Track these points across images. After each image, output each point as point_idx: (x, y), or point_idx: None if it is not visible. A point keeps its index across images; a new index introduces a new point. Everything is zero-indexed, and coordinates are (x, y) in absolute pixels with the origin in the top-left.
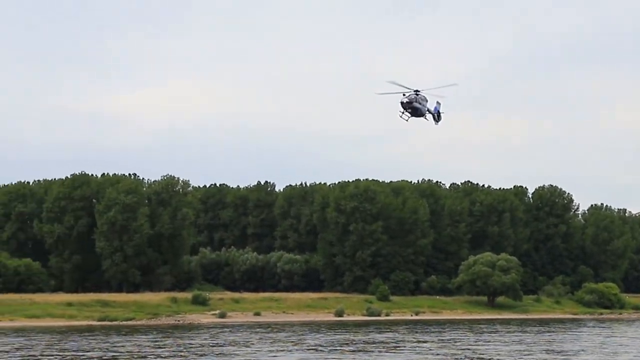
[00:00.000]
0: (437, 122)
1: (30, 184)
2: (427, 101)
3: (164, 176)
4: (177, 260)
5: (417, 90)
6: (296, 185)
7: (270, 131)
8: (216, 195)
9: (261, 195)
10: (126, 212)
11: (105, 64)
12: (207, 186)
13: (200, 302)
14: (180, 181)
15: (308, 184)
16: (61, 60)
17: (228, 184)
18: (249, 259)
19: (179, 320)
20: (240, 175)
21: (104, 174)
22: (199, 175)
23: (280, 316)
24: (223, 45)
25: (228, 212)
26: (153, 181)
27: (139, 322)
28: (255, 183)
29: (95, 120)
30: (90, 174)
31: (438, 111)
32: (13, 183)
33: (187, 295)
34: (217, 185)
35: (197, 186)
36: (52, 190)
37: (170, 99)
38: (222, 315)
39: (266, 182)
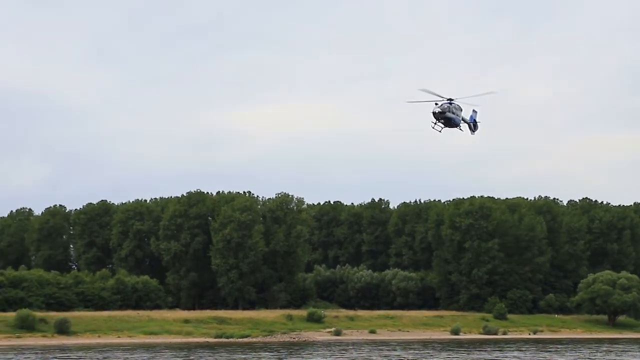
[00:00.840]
0: (473, 131)
1: (148, 202)
2: (461, 110)
3: (278, 194)
4: (292, 278)
5: (450, 99)
6: (410, 202)
7: (383, 149)
8: (330, 213)
9: (375, 212)
10: (241, 229)
11: (223, 81)
12: (322, 204)
13: (315, 320)
14: (294, 199)
15: (422, 201)
16: (178, 79)
17: (342, 202)
18: (364, 276)
19: (294, 338)
20: (354, 193)
21: (219, 192)
22: (314, 192)
23: (396, 334)
24: (337, 65)
25: (342, 229)
26: (268, 199)
27: (254, 339)
28: (370, 200)
29: (210, 138)
30: (205, 192)
31: (474, 120)
32: (131, 201)
33: (302, 312)
34: (331, 202)
35: (311, 204)
36: (169, 208)
37: (286, 116)
38: (338, 333)
39: (380, 199)
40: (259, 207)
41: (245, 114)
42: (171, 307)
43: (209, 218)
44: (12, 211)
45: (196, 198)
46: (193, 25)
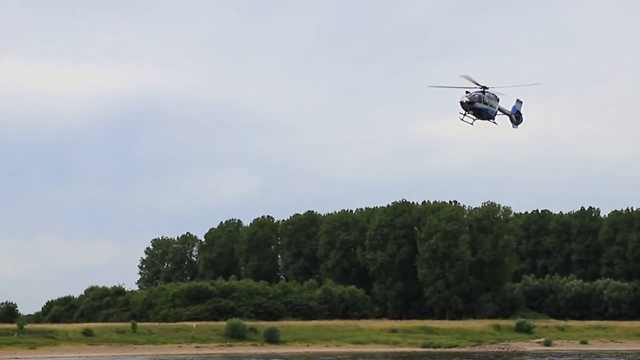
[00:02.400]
0: (517, 124)
1: (353, 212)
2: (497, 100)
3: (484, 203)
4: (500, 288)
5: (484, 87)
6: (622, 210)
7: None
8: (538, 222)
9: (585, 221)
10: (447, 239)
11: (427, 89)
12: (529, 212)
13: (524, 330)
14: (501, 208)
15: (635, 209)
16: (383, 89)
17: (550, 210)
18: (574, 286)
19: (503, 348)
20: (562, 201)
21: (424, 201)
22: (521, 201)
23: (608, 345)
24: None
25: (551, 238)
26: (474, 208)
27: (462, 349)
28: (579, 209)
29: (416, 147)
30: (411, 202)
31: (517, 111)
32: (337, 212)
33: (511, 322)
34: (539, 211)
35: (518, 213)
36: (375, 219)
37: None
38: (548, 344)
39: (590, 207)
40: (465, 216)
41: (452, 122)
42: (378, 316)
43: (415, 228)
44: (222, 222)
45: (402, 208)
46: (394, 34)
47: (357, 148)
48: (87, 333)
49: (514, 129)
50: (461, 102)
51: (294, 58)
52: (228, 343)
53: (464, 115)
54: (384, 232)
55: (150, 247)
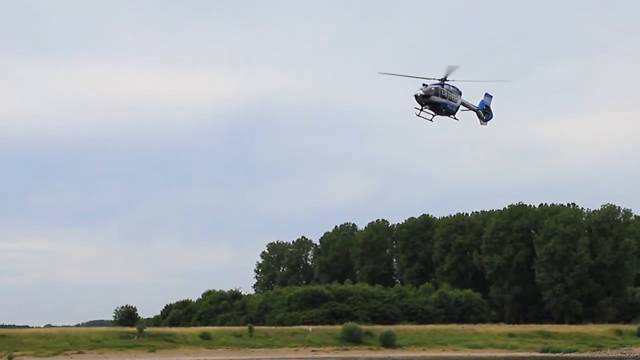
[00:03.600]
0: (485, 120)
1: (469, 215)
2: (459, 94)
3: (604, 205)
4: (621, 291)
5: (444, 79)
6: None
7: None
8: None
9: None
10: (565, 242)
11: (548, 91)
12: None
13: None
14: (621, 210)
15: None
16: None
17: None
18: None
19: (624, 353)
20: None
21: (542, 204)
22: None
23: None
24: None
25: None
26: (593, 211)
27: (582, 355)
28: None
29: (533, 149)
30: (527, 205)
31: (486, 106)
32: (452, 215)
33: (632, 327)
34: None
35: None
36: (491, 222)
37: (616, 126)
38: None
39: None
40: (584, 219)
41: (569, 123)
42: (495, 320)
43: (532, 231)
44: (336, 226)
45: (518, 211)
46: (507, 35)
47: (472, 150)
48: (205, 336)
49: (482, 125)
50: (415, 96)
51: (407, 59)
52: (344, 347)
53: (421, 110)
54: (501, 236)
55: (266, 251)
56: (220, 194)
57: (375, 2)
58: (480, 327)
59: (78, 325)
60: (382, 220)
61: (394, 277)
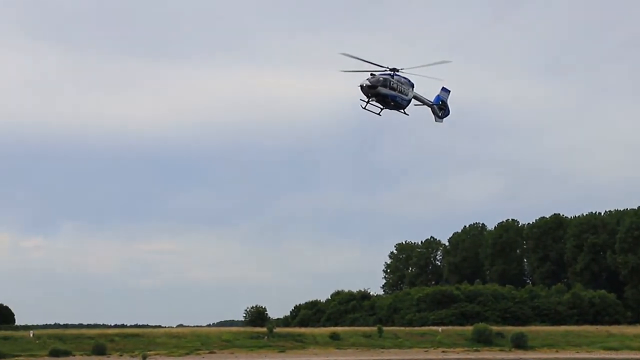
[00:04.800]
0: (441, 117)
1: (602, 214)
2: (411, 86)
3: None
4: None
5: (394, 69)
6: None
7: None
8: None
9: None
10: None
11: None
12: None
13: None
14: None
15: None
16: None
17: None
18: None
19: None
20: None
21: None
22: None
23: None
24: None
25: None
26: None
27: None
28: None
29: None
30: None
31: (441, 101)
32: (584, 214)
33: None
34: None
35: None
36: (625, 221)
37: None
38: None
39: None
40: None
41: None
42: (631, 322)
43: None
44: (465, 226)
45: None
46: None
47: (604, 149)
48: (335, 337)
49: (437, 122)
50: (361, 87)
51: (542, 58)
52: (475, 348)
53: (367, 102)
54: (635, 235)
55: (394, 251)
56: (349, 195)
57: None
58: (615, 329)
59: (209, 326)
60: (512, 220)
61: (524, 278)
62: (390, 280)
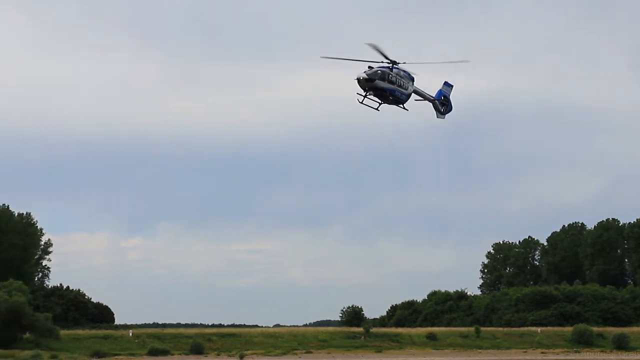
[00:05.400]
0: (443, 113)
1: None
2: (411, 80)
3: None
4: None
5: (394, 62)
6: None
7: None
8: None
9: None
10: None
11: None
12: None
13: None
14: None
15: None
16: None
17: None
18: None
19: None
20: None
21: None
22: None
23: None
24: None
25: None
26: None
27: None
28: None
29: None
30: None
31: (443, 96)
32: None
33: None
34: None
35: None
36: None
37: None
38: None
39: None
40: None
41: None
42: None
43: None
44: (564, 226)
45: None
46: None
47: None
48: (432, 337)
49: (439, 118)
50: (358, 80)
51: (636, 56)
52: (575, 349)
53: (364, 96)
54: None
55: (492, 251)
56: (445, 194)
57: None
58: None
59: (306, 325)
60: (613, 219)
61: (625, 278)
62: (488, 280)
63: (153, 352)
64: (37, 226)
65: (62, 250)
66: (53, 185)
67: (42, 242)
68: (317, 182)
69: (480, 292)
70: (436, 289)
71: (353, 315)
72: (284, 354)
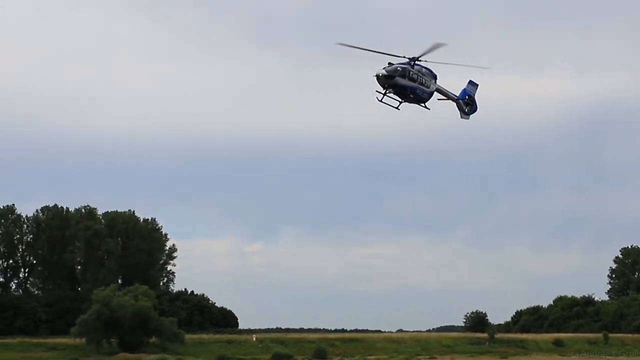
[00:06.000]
0: (467, 114)
1: None
2: (433, 77)
3: None
4: None
5: (414, 58)
6: None
7: None
8: None
9: None
10: None
11: None
12: None
13: None
14: None
15: None
16: None
17: None
18: None
19: None
20: None
21: None
22: None
23: None
24: None
25: None
26: None
27: None
28: None
29: None
30: None
31: (468, 96)
32: None
33: None
34: None
35: None
36: None
37: None
38: None
39: None
40: None
41: None
42: None
43: None
44: None
45: None
46: None
47: None
48: (558, 343)
49: (463, 119)
50: (377, 76)
51: None
52: None
53: (384, 94)
54: None
55: (620, 256)
56: (572, 198)
57: None
58: None
59: (429, 331)
60: None
61: None
62: (616, 286)
63: (277, 357)
64: (162, 231)
65: (186, 255)
66: (178, 191)
67: (167, 247)
68: (440, 185)
69: (607, 298)
70: (562, 294)
71: (477, 321)
72: (407, 359)
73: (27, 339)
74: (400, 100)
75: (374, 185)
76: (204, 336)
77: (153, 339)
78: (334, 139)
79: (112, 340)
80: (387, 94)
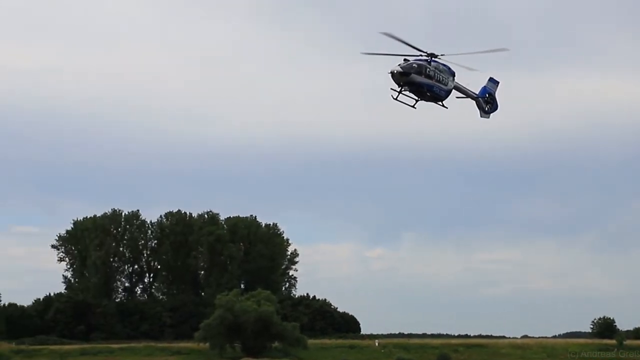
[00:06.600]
0: (488, 112)
1: None
2: (451, 75)
3: None
4: None
5: (432, 55)
6: None
7: None
8: None
9: None
10: None
11: None
12: None
13: None
14: None
15: None
16: None
17: None
18: None
19: None
20: None
21: None
22: None
23: None
24: None
25: None
26: None
27: None
28: None
29: None
30: None
31: (488, 94)
32: None
33: None
34: None
35: None
36: None
37: None
38: None
39: None
40: None
41: None
42: None
43: None
44: None
45: None
46: None
47: None
48: None
49: (483, 118)
50: (392, 73)
51: None
52: None
53: (399, 92)
54: None
55: None
56: None
57: None
58: None
59: (555, 337)
60: None
61: None
62: None
63: None
64: (283, 237)
65: (308, 261)
66: (299, 196)
67: (289, 253)
68: (564, 188)
69: None
70: None
71: (605, 327)
72: None
73: (152, 343)
74: (416, 98)
75: (497, 189)
76: (327, 341)
77: (276, 344)
78: (458, 143)
79: (236, 345)
80: (402, 92)
